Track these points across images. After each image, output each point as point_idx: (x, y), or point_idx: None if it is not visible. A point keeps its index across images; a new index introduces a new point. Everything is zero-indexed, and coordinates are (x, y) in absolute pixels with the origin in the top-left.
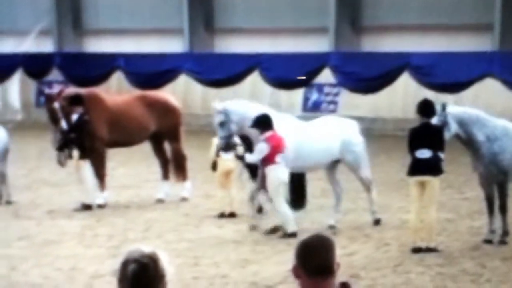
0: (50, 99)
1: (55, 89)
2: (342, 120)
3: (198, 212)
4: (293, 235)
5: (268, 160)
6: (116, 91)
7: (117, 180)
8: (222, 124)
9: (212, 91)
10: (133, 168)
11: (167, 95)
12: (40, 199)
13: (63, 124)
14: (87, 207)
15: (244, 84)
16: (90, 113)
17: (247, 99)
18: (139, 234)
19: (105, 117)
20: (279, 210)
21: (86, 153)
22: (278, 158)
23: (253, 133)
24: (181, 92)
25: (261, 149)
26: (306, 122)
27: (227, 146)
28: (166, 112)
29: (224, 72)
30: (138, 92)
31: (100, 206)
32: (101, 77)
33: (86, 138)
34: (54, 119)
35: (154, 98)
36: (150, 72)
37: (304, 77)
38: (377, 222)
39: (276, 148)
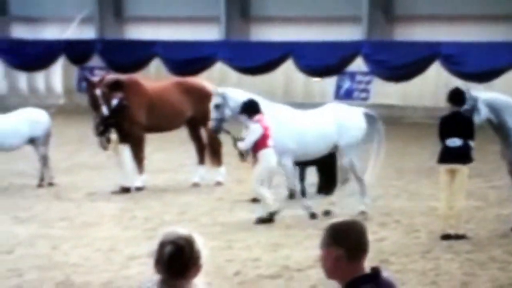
0: (92, 85)
1: (97, 75)
2: (343, 106)
3: (232, 197)
4: (269, 220)
5: (260, 144)
6: (155, 77)
7: (154, 164)
8: (218, 107)
9: (247, 78)
10: (170, 153)
11: (203, 81)
12: (80, 182)
13: (104, 110)
14: (125, 190)
15: (278, 72)
16: (130, 98)
17: (281, 86)
18: (175, 217)
19: (144, 103)
20: (259, 192)
21: (125, 138)
22: (270, 141)
23: (243, 120)
24: (217, 79)
25: (255, 129)
26: (304, 111)
27: (217, 129)
28: (202, 98)
29: (258, 60)
30: (175, 78)
31: (138, 189)
32: (140, 64)
33: (125, 123)
34: (95, 105)
35: (190, 85)
36: (187, 59)
37: (319, 79)
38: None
39: (266, 131)
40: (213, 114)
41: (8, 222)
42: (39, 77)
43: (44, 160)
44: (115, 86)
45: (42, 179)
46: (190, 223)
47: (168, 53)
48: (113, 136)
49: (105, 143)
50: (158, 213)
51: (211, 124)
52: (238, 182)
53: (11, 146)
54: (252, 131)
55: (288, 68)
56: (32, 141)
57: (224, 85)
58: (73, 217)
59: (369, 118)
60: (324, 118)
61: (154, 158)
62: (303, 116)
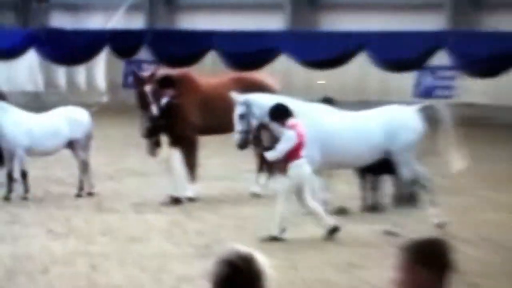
0: (140, 81)
1: (146, 70)
2: (396, 107)
3: (298, 209)
4: (275, 238)
5: (293, 154)
6: (210, 72)
7: (209, 171)
8: (242, 117)
9: (316, 74)
10: (227, 158)
11: (266, 77)
12: (125, 191)
13: (153, 110)
14: (176, 201)
15: (351, 66)
16: (182, 96)
17: (354, 82)
18: (232, 232)
19: (198, 101)
20: (278, 209)
21: (176, 141)
22: (303, 151)
23: (274, 128)
24: (282, 74)
25: (290, 137)
26: (347, 112)
27: (244, 143)
28: None
29: (327, 53)
30: (233, 73)
31: (191, 200)
32: (194, 57)
33: (176, 124)
34: (143, 104)
35: (251, 81)
36: (247, 51)
37: (323, 82)
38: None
39: (301, 138)
40: (237, 126)
41: (43, 236)
42: (80, 72)
43: (84, 166)
44: (166, 82)
45: (81, 187)
46: (250, 239)
47: (226, 45)
48: (163, 139)
49: (153, 148)
50: (213, 228)
51: (236, 138)
52: None
53: (47, 150)
54: (285, 139)
55: (362, 62)
56: (71, 144)
57: (289, 81)
58: (117, 232)
59: (429, 111)
60: (370, 121)
61: (209, 164)
62: (341, 119)
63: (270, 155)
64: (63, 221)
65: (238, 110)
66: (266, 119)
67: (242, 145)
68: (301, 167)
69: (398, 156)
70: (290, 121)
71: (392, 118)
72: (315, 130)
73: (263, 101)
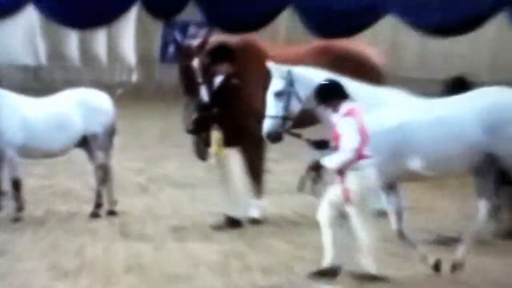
0: (185, 53)
1: (194, 37)
2: (492, 90)
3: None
4: (373, 277)
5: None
6: (285, 39)
7: (279, 180)
8: (280, 95)
9: (433, 43)
10: (303, 161)
11: (364, 47)
12: (162, 209)
13: (204, 94)
14: (233, 223)
15: (483, 33)
16: (245, 74)
17: (488, 56)
18: (311, 266)
19: (267, 81)
20: (359, 235)
21: (235, 138)
22: (367, 149)
23: (323, 116)
24: (387, 43)
25: (350, 128)
26: (429, 100)
27: (277, 134)
28: (361, 73)
29: (451, 14)
30: (318, 42)
31: (254, 222)
32: (262, 18)
33: (235, 114)
34: (189, 84)
35: (343, 52)
36: (338, 10)
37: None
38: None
39: (363, 128)
40: (270, 107)
41: (43, 274)
42: (99, 39)
43: (104, 173)
44: (222, 54)
45: (99, 203)
46: (338, 278)
47: (308, 1)
48: (216, 135)
49: (202, 148)
50: (284, 260)
51: (266, 124)
52: (416, 210)
53: (51, 150)
54: (349, 130)
55: (499, 27)
56: (85, 141)
57: (398, 52)
58: (149, 266)
59: None
60: (460, 110)
61: (279, 170)
62: (419, 109)
63: (336, 161)
64: (72, 251)
65: (275, 86)
66: (313, 103)
67: (274, 136)
68: (364, 171)
69: (506, 159)
70: (345, 106)
71: (490, 106)
72: (377, 123)
73: (312, 77)
